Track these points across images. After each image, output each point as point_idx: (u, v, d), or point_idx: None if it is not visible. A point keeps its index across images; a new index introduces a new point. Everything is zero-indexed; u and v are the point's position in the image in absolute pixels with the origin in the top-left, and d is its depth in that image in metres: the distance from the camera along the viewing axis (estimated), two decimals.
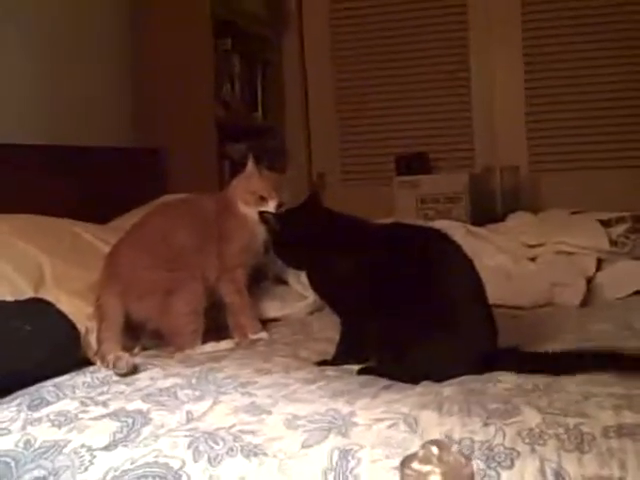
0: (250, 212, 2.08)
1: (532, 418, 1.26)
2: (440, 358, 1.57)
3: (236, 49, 3.40)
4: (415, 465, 0.78)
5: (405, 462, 0.79)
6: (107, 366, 1.69)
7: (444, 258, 1.66)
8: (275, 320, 2.25)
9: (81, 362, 1.75)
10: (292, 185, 2.19)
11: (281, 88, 3.80)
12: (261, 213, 1.89)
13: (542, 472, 1.14)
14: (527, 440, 1.20)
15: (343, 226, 1.78)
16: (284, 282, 2.45)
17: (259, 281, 2.38)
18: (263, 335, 2.06)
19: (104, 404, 1.47)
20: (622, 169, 3.42)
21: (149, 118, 3.12)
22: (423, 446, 0.78)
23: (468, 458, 0.80)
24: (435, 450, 0.78)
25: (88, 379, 1.62)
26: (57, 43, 2.75)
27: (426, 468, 0.78)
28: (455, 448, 0.81)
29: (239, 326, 2.06)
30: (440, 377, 1.53)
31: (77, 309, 1.87)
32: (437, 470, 0.77)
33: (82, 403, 1.47)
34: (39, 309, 1.77)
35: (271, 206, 2.06)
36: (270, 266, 2.44)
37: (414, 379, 1.54)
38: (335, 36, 3.77)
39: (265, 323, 2.18)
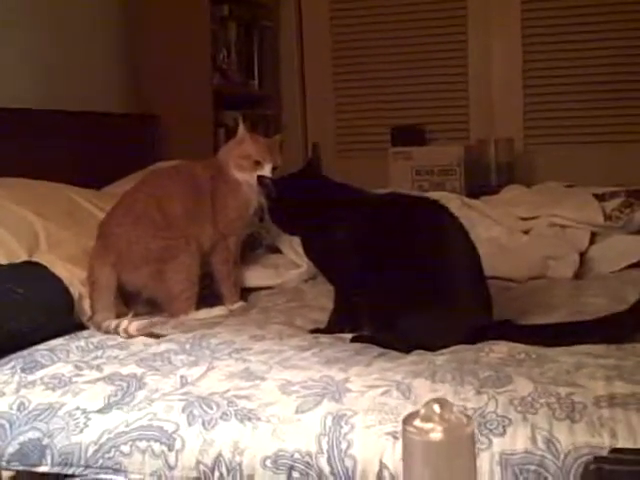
0: (244, 177, 2.06)
1: (524, 387, 1.27)
2: (433, 328, 1.58)
3: (233, 16, 3.36)
4: (417, 422, 0.79)
5: (407, 420, 0.79)
6: (107, 331, 1.70)
7: (441, 228, 1.66)
8: (269, 288, 2.26)
9: (75, 326, 1.75)
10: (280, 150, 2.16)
11: (278, 56, 3.77)
12: (259, 177, 1.87)
13: (533, 439, 1.16)
14: (519, 408, 1.21)
15: (340, 194, 1.78)
16: (278, 250, 2.45)
17: (253, 249, 2.39)
18: (241, 305, 2.07)
19: (98, 368, 1.48)
20: (617, 144, 3.42)
21: (145, 84, 3.10)
22: (425, 404, 0.79)
23: (469, 417, 0.81)
24: (437, 408, 0.79)
25: (82, 343, 1.63)
26: (53, 8, 2.71)
27: (428, 426, 0.78)
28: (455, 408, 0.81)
29: (220, 295, 2.07)
30: (433, 346, 1.54)
31: (71, 274, 1.87)
32: (439, 428, 0.78)
33: (76, 367, 1.48)
34: (33, 273, 1.77)
35: (267, 170, 2.04)
36: (264, 234, 2.44)
37: (407, 348, 1.55)
38: (333, 5, 3.73)
39: (252, 291, 2.19)
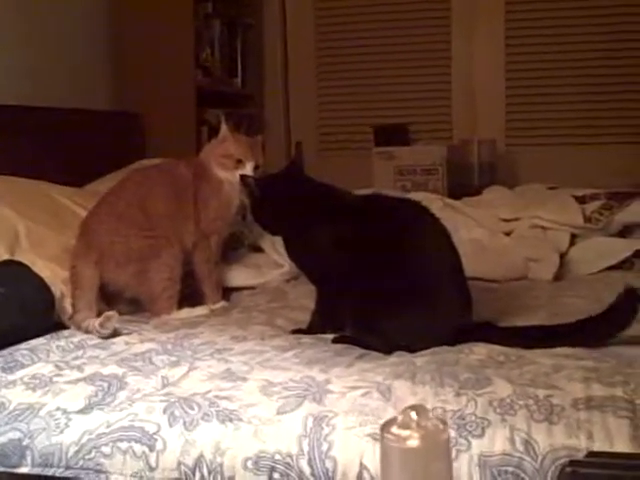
0: (226, 176, 2.06)
1: (503, 389, 1.28)
2: (414, 329, 1.59)
3: (217, 13, 3.36)
4: (394, 430, 0.80)
5: (385, 427, 0.81)
6: (87, 331, 1.70)
7: (422, 230, 1.67)
8: (251, 288, 2.26)
9: (56, 325, 1.75)
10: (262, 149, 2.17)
11: (261, 54, 3.77)
12: (242, 176, 1.88)
13: (512, 441, 1.17)
14: (498, 410, 1.22)
15: (323, 195, 1.79)
16: (260, 250, 2.45)
17: (236, 248, 2.39)
18: (222, 304, 2.07)
19: (79, 368, 1.47)
20: (598, 146, 3.45)
21: (128, 82, 3.08)
22: (402, 411, 0.80)
23: (445, 423, 0.82)
24: (414, 415, 0.80)
25: (62, 343, 1.62)
26: (36, 5, 2.70)
27: (405, 433, 0.80)
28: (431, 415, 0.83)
29: (201, 294, 2.07)
30: (414, 347, 1.55)
31: (52, 273, 1.86)
32: (415, 435, 0.79)
33: (57, 367, 1.47)
34: (14, 272, 1.76)
35: (248, 169, 2.04)
36: (246, 234, 2.44)
37: (388, 349, 1.56)
38: (317, 3, 3.74)
39: (234, 291, 2.19)
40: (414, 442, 0.79)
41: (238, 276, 2.27)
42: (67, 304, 1.84)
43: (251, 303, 2.08)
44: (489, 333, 1.59)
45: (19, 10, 2.62)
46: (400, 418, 0.80)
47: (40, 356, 1.54)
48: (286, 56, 3.80)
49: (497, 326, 1.66)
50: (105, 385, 1.39)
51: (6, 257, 1.86)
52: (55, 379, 1.42)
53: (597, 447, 1.13)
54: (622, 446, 1.12)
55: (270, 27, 3.77)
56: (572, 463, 0.92)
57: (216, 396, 1.33)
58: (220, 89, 3.42)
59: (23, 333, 1.64)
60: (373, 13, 3.64)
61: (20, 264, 1.79)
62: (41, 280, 1.76)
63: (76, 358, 1.54)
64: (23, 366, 1.48)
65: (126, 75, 3.09)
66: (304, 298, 1.99)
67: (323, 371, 1.41)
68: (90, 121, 2.82)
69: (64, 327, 1.77)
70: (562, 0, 3.46)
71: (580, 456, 1.05)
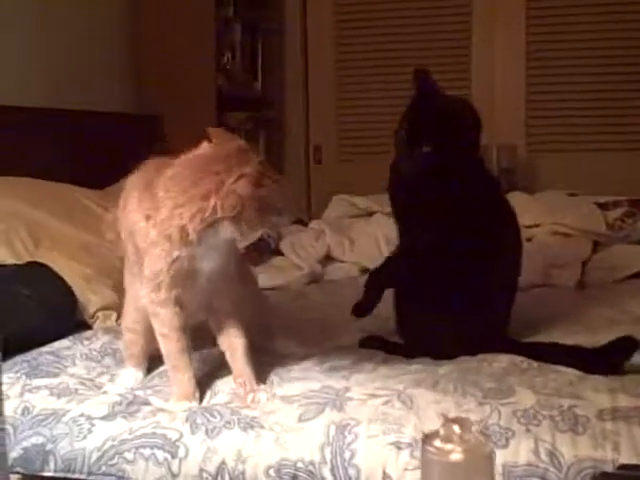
0: None
1: (527, 398, 1.27)
2: (462, 337, 1.57)
3: (238, 17, 3.36)
4: (437, 443, 0.79)
5: (427, 440, 0.80)
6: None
7: (510, 237, 1.66)
8: (272, 289, 2.26)
9: (77, 324, 1.77)
10: None
11: (282, 58, 3.77)
12: None
13: (536, 452, 1.16)
14: (522, 420, 1.21)
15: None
16: (281, 253, 2.46)
17: (262, 253, 2.39)
18: None
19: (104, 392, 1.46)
20: (620, 152, 3.41)
21: (150, 85, 3.09)
22: (444, 424, 0.79)
23: (488, 437, 0.81)
24: (457, 429, 0.79)
25: (86, 351, 1.62)
26: (56, 8, 2.71)
27: (448, 447, 0.79)
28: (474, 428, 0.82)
29: None
30: (441, 357, 1.54)
31: (72, 270, 1.87)
32: (459, 449, 0.78)
33: (81, 383, 1.47)
34: (37, 273, 1.78)
35: None
36: (272, 238, 2.45)
37: (412, 354, 1.55)
38: (338, 7, 3.73)
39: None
40: (457, 456, 0.78)
41: (260, 278, 2.27)
42: (88, 303, 1.84)
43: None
44: (508, 347, 1.57)
45: (39, 12, 2.63)
46: (442, 431, 0.79)
47: (65, 364, 1.54)
48: (306, 60, 3.79)
49: (521, 342, 1.64)
50: (129, 396, 1.39)
51: (28, 256, 1.87)
52: (81, 391, 1.43)
53: (623, 458, 1.12)
54: None
55: (291, 31, 3.76)
56: (603, 475, 0.91)
57: (237, 406, 1.33)
58: (240, 93, 3.42)
59: (46, 334, 1.66)
60: (393, 18, 3.62)
61: (42, 265, 1.80)
62: (63, 281, 1.78)
63: (100, 375, 1.52)
64: (47, 374, 1.48)
65: (147, 78, 3.10)
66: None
67: (345, 378, 1.41)
68: (111, 124, 2.83)
69: (86, 326, 1.79)
70: (584, 5, 3.43)
71: (610, 468, 1.04)
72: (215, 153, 1.34)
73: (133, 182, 1.44)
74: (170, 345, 1.38)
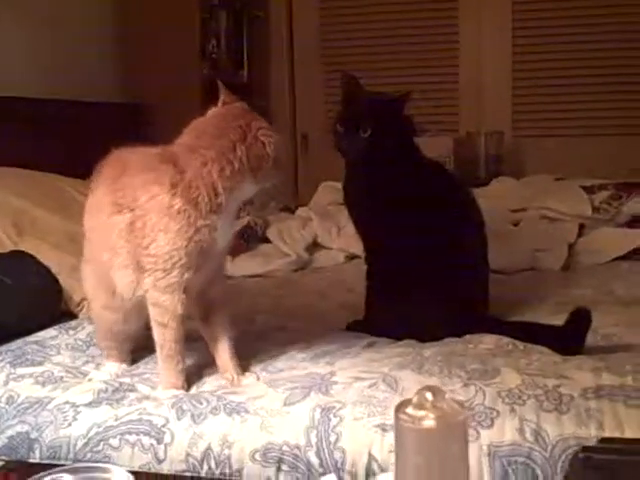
0: None
1: (512, 379, 1.28)
2: (434, 316, 1.58)
3: (223, 4, 3.35)
4: (409, 410, 0.78)
5: (399, 407, 0.78)
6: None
7: (465, 216, 1.67)
8: (259, 276, 2.26)
9: (63, 313, 1.76)
10: None
11: (268, 46, 3.75)
12: None
13: (521, 431, 1.16)
14: (507, 400, 1.22)
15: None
16: (268, 241, 2.45)
17: (248, 241, 2.39)
18: None
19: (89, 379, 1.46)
20: (605, 137, 3.42)
21: (134, 73, 3.08)
22: (417, 392, 0.78)
23: (462, 405, 0.80)
24: (429, 396, 0.78)
25: (71, 341, 1.61)
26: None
27: (420, 413, 0.77)
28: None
29: None
30: (425, 337, 1.54)
31: (58, 260, 1.86)
32: (431, 415, 0.77)
33: (66, 371, 1.46)
34: (21, 262, 1.76)
35: None
36: (259, 225, 2.45)
37: (399, 335, 1.56)
38: None
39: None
40: (430, 422, 0.76)
41: (247, 265, 2.27)
42: (73, 292, 1.83)
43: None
44: (492, 327, 1.58)
45: (23, 3, 2.61)
46: (415, 399, 0.78)
47: (50, 353, 1.53)
48: (292, 48, 3.78)
49: (504, 321, 1.65)
50: (115, 384, 1.39)
51: (11, 244, 1.86)
52: (65, 378, 1.42)
53: (608, 435, 1.12)
54: (633, 435, 1.12)
55: (276, 19, 3.74)
56: (585, 449, 0.91)
57: (223, 392, 1.33)
58: (226, 81, 3.40)
59: (31, 323, 1.65)
60: (379, 4, 3.61)
61: (26, 254, 1.79)
62: (48, 270, 1.77)
63: (86, 363, 1.52)
64: (33, 363, 1.48)
65: (132, 67, 3.09)
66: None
67: (330, 362, 1.41)
68: (97, 113, 2.82)
69: (71, 315, 1.78)
70: None
71: (592, 442, 1.04)
72: (229, 110, 1.40)
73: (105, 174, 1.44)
74: (167, 335, 1.35)
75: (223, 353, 1.40)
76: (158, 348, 1.37)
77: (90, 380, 1.42)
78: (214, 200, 1.31)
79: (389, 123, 1.65)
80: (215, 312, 1.41)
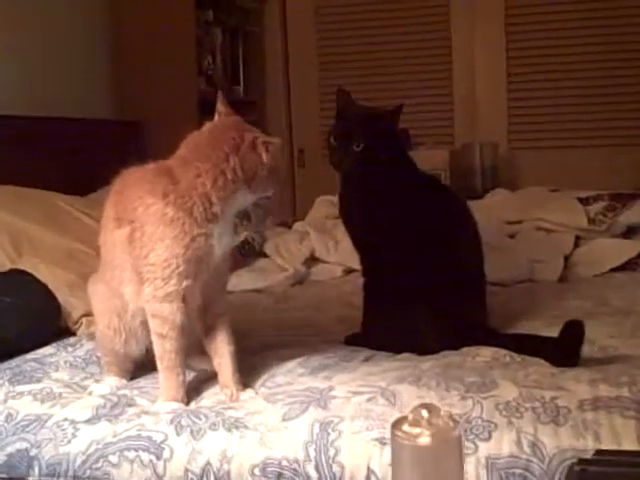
0: None
1: (509, 391, 1.28)
2: (427, 331, 1.58)
3: (218, 21, 3.37)
4: (405, 427, 0.80)
5: (395, 424, 0.80)
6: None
7: (462, 227, 1.68)
8: (257, 291, 2.26)
9: (61, 330, 1.76)
10: None
11: (263, 62, 3.77)
12: None
13: (519, 443, 1.17)
14: (504, 413, 1.22)
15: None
16: (265, 255, 2.46)
17: (245, 255, 2.39)
18: None
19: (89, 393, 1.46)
20: (600, 148, 3.44)
21: (130, 90, 3.09)
22: (413, 410, 0.80)
23: (456, 421, 0.82)
24: (425, 413, 0.80)
25: (71, 359, 1.62)
26: (36, 13, 2.71)
27: (416, 430, 0.79)
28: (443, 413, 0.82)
29: None
30: (421, 350, 1.55)
31: (56, 277, 1.87)
32: (427, 432, 0.79)
33: (65, 386, 1.47)
34: (19, 281, 1.77)
35: None
36: (256, 240, 2.46)
37: (397, 348, 1.56)
38: (318, 10, 3.74)
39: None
40: (425, 439, 0.78)
41: (244, 280, 2.28)
42: (72, 309, 1.84)
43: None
44: (489, 338, 1.58)
45: (19, 19, 2.62)
46: (411, 416, 0.80)
47: (48, 371, 1.53)
48: (288, 63, 3.80)
49: (502, 333, 1.65)
50: (114, 399, 1.39)
51: (9, 263, 1.87)
52: (64, 395, 1.42)
53: (605, 447, 1.13)
54: (629, 446, 1.12)
55: (271, 34, 3.77)
56: (581, 462, 0.91)
57: (222, 408, 1.33)
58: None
59: (30, 341, 1.65)
60: (374, 19, 3.64)
61: (25, 273, 1.80)
62: (46, 288, 1.77)
63: (84, 379, 1.53)
64: (31, 380, 1.48)
65: (127, 83, 3.10)
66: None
67: (328, 377, 1.41)
68: (91, 130, 2.82)
69: (69, 332, 1.78)
70: (562, 3, 3.46)
71: (588, 455, 1.05)
72: (223, 123, 1.42)
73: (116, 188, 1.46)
74: (166, 345, 1.36)
75: (225, 369, 1.41)
76: (158, 360, 1.38)
77: (90, 393, 1.43)
78: (209, 209, 1.33)
79: (381, 136, 1.67)
80: (217, 327, 1.42)
